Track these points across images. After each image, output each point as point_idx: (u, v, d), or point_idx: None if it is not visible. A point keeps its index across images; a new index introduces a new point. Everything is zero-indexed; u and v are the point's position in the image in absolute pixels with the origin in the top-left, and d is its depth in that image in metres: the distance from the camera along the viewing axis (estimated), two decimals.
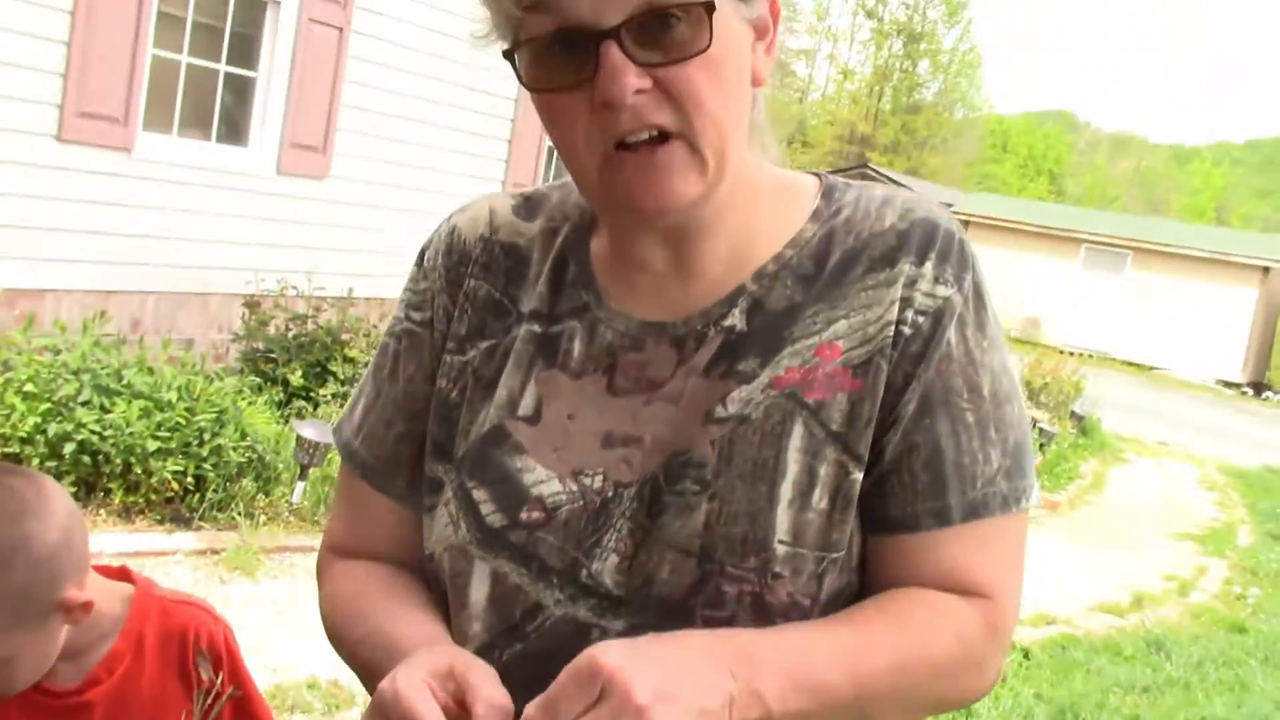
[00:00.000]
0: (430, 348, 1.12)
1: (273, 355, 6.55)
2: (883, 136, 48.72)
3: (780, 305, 1.02)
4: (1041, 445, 10.71)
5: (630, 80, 0.90)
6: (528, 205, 1.14)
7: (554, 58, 0.93)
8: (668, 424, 1.00)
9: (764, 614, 0.96)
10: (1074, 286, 27.81)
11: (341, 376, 6.46)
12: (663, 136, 0.93)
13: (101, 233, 6.34)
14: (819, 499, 0.97)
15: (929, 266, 1.00)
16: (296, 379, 6.33)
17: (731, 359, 1.01)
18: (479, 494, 1.03)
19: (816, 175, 1.10)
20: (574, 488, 1.01)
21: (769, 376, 0.99)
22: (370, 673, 1.01)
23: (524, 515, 1.01)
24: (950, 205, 30.37)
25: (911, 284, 1.00)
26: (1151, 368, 26.51)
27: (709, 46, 0.91)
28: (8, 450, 4.74)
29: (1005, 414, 1.01)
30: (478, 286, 1.11)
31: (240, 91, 7.22)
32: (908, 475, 0.99)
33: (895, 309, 0.99)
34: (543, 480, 1.02)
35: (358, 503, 1.16)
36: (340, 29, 7.45)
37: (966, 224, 28.91)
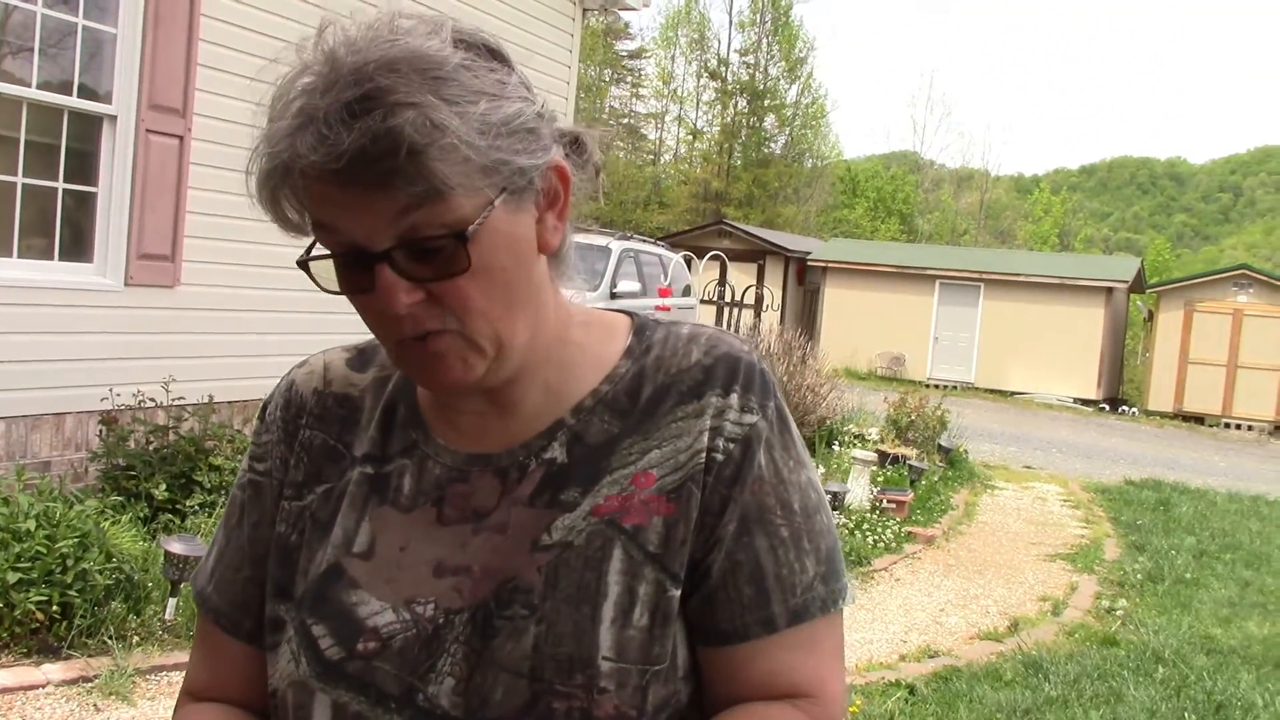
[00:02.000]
0: (271, 495, 1.20)
1: (134, 471, 6.42)
2: (736, 191, 49.64)
3: (598, 438, 1.10)
4: (912, 481, 10.99)
5: (401, 297, 0.98)
6: (361, 357, 1.24)
7: (341, 267, 1.01)
8: (495, 552, 1.07)
9: None
10: (933, 321, 28.64)
11: (208, 485, 6.36)
12: (439, 331, 1.02)
13: None
14: (639, 616, 1.04)
15: (734, 397, 1.09)
16: (161, 493, 6.22)
17: (554, 489, 1.09)
18: (318, 629, 1.10)
19: (628, 314, 1.20)
20: (407, 616, 1.07)
21: (590, 505, 1.07)
22: None
23: (360, 646, 1.07)
24: (809, 252, 31.08)
25: (720, 414, 1.08)
26: (1013, 393, 27.36)
27: (469, 266, 0.99)
28: None
29: (815, 524, 1.10)
30: (313, 436, 1.19)
31: (82, 207, 7.12)
32: (734, 590, 1.07)
33: (706, 437, 1.08)
34: (377, 611, 1.08)
35: (210, 646, 1.23)
36: (180, 137, 7.41)
37: (825, 270, 29.63)
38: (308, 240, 1.03)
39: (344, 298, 1.03)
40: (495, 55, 1.01)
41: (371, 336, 1.22)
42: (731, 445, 1.08)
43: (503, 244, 1.00)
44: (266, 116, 0.99)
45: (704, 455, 1.08)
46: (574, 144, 1.09)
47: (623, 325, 1.18)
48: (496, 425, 1.12)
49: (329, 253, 1.01)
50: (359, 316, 1.05)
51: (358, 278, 1.00)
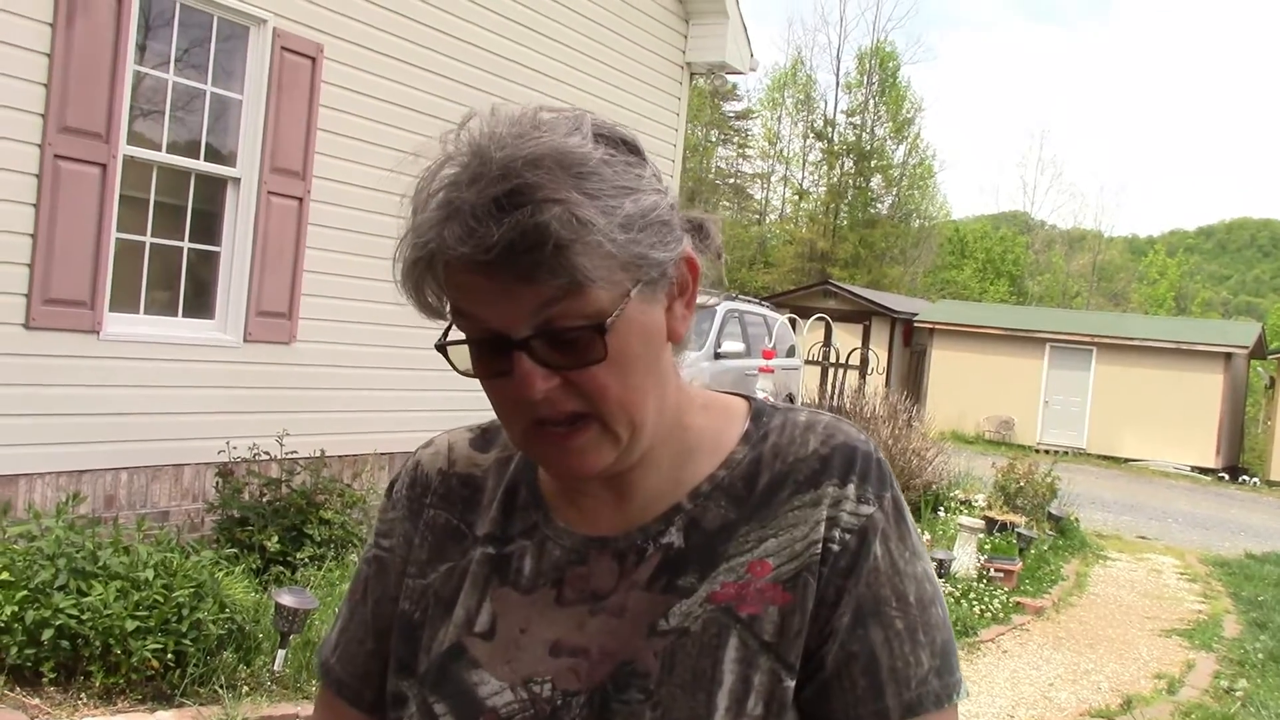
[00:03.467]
0: (395, 572, 1.24)
1: (248, 523, 6.58)
2: (842, 252, 49.44)
3: (715, 524, 1.11)
4: (1021, 550, 10.75)
5: (538, 383, 1.01)
6: (484, 438, 1.27)
7: (478, 352, 1.04)
8: (612, 635, 1.09)
9: None
10: (1043, 385, 28.09)
11: (317, 538, 6.49)
12: (577, 417, 1.03)
13: (73, 414, 6.41)
14: (754, 705, 1.05)
15: (851, 487, 1.10)
16: (273, 545, 6.36)
17: (671, 574, 1.10)
18: (439, 707, 1.12)
19: (745, 398, 1.21)
20: (524, 695, 1.10)
21: (706, 591, 1.08)
22: None
23: None
24: (915, 314, 30.77)
25: (836, 504, 1.09)
26: (1126, 460, 26.66)
27: (605, 356, 1.01)
28: None
29: (931, 617, 1.10)
30: (437, 515, 1.23)
31: (205, 266, 7.37)
32: (848, 681, 1.07)
33: (822, 528, 1.08)
34: (496, 691, 1.11)
35: (331, 714, 1.28)
36: (300, 199, 7.65)
37: (932, 331, 29.30)
38: (441, 322, 1.07)
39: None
40: (631, 149, 1.04)
41: (493, 417, 1.24)
42: (848, 536, 1.09)
43: (637, 333, 1.03)
44: (411, 207, 1.04)
45: (820, 546, 1.08)
46: (698, 230, 1.12)
47: (740, 410, 1.19)
48: (615, 508, 1.15)
49: (467, 338, 1.03)
50: (479, 388, 1.08)
51: (495, 363, 1.02)
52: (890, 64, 51.55)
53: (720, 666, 1.06)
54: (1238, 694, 7.55)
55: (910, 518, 1.14)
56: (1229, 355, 26.88)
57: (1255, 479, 26.35)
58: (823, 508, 1.09)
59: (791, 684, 1.07)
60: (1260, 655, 8.69)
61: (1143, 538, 14.88)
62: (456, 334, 1.05)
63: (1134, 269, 64.35)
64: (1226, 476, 26.32)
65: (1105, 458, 26.67)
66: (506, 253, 0.95)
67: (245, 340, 7.43)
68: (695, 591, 1.09)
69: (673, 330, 1.09)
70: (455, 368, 1.06)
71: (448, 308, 1.04)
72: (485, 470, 1.24)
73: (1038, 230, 61.41)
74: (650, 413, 1.07)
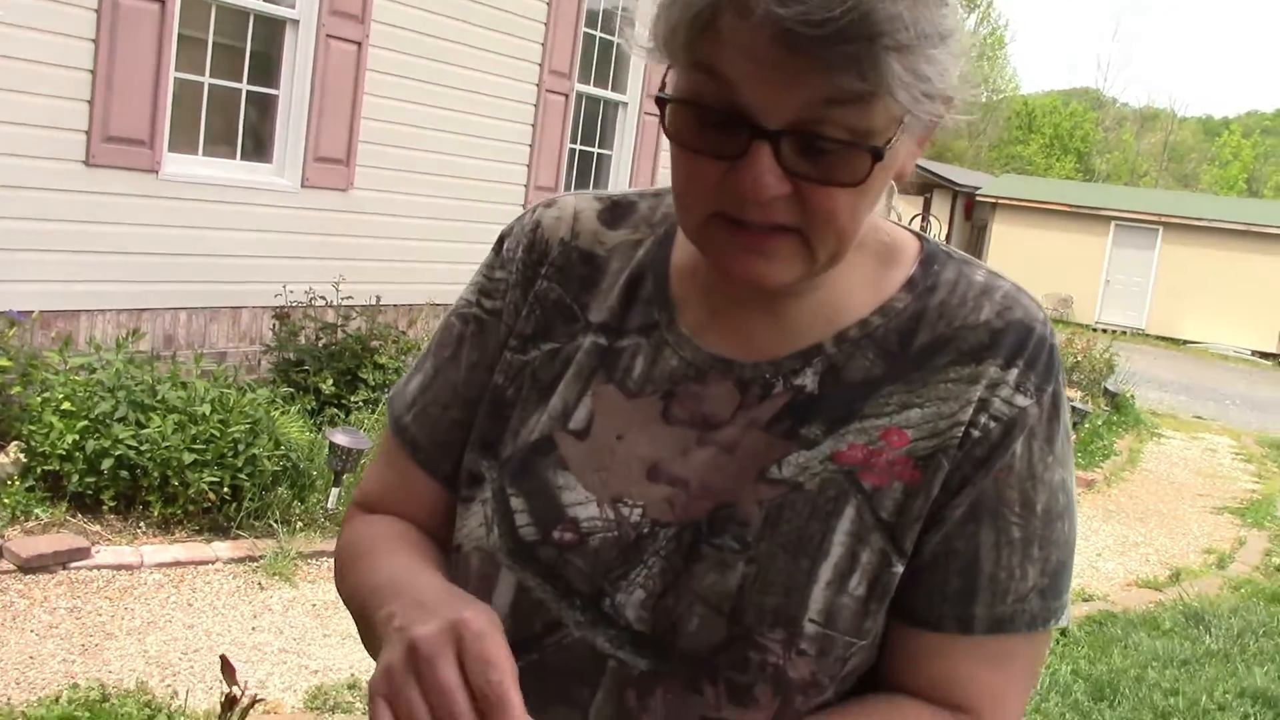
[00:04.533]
0: (496, 339, 1.11)
1: (304, 365, 6.65)
2: None
3: (857, 376, 0.99)
4: (1075, 424, 10.67)
5: (771, 185, 0.87)
6: (613, 212, 1.12)
7: (705, 124, 0.89)
8: (718, 471, 0.99)
9: (784, 687, 0.96)
10: (1105, 264, 27.62)
11: (372, 383, 6.55)
12: (779, 228, 0.91)
13: (132, 252, 6.45)
14: (857, 585, 0.96)
15: (1014, 373, 0.98)
16: (328, 387, 6.42)
17: (796, 420, 0.99)
18: (516, 502, 1.03)
19: (918, 236, 1.07)
20: (611, 515, 1.00)
21: (831, 448, 0.97)
22: (366, 616, 0.99)
23: (556, 534, 1.01)
24: (979, 188, 30.21)
25: (993, 387, 0.97)
26: (1185, 342, 26.31)
27: (863, 181, 0.89)
28: (47, 467, 4.85)
29: (1053, 532, 0.99)
30: (550, 289, 1.10)
31: (263, 109, 7.32)
32: (940, 576, 0.97)
33: (971, 410, 0.97)
34: (581, 501, 1.01)
35: (399, 473, 1.15)
36: (359, 44, 7.53)
37: (994, 206, 28.79)
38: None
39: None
40: None
41: (624, 189, 1.13)
42: (993, 425, 0.97)
43: (890, 165, 0.91)
44: None
45: (963, 429, 0.96)
46: None
47: (910, 249, 1.05)
48: (751, 330, 1.02)
49: (698, 102, 0.88)
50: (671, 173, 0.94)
51: (724, 142, 0.88)
52: None
53: (831, 536, 0.96)
54: None
55: (1067, 420, 1.01)
56: None
57: None
58: (979, 387, 0.97)
59: (900, 570, 0.97)
60: None
61: (1199, 418, 14.73)
62: (674, 87, 0.91)
63: (1206, 150, 62.65)
64: None
65: (1164, 339, 26.31)
66: (830, 35, 0.81)
67: (303, 186, 7.41)
68: (818, 445, 0.98)
69: (904, 170, 0.96)
70: (665, 126, 0.91)
71: (693, 62, 0.88)
72: (610, 250, 1.10)
73: (1109, 107, 59.82)
74: (852, 245, 0.94)
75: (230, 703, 0.93)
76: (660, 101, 0.91)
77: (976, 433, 0.96)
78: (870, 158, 0.87)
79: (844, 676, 0.97)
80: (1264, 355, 25.73)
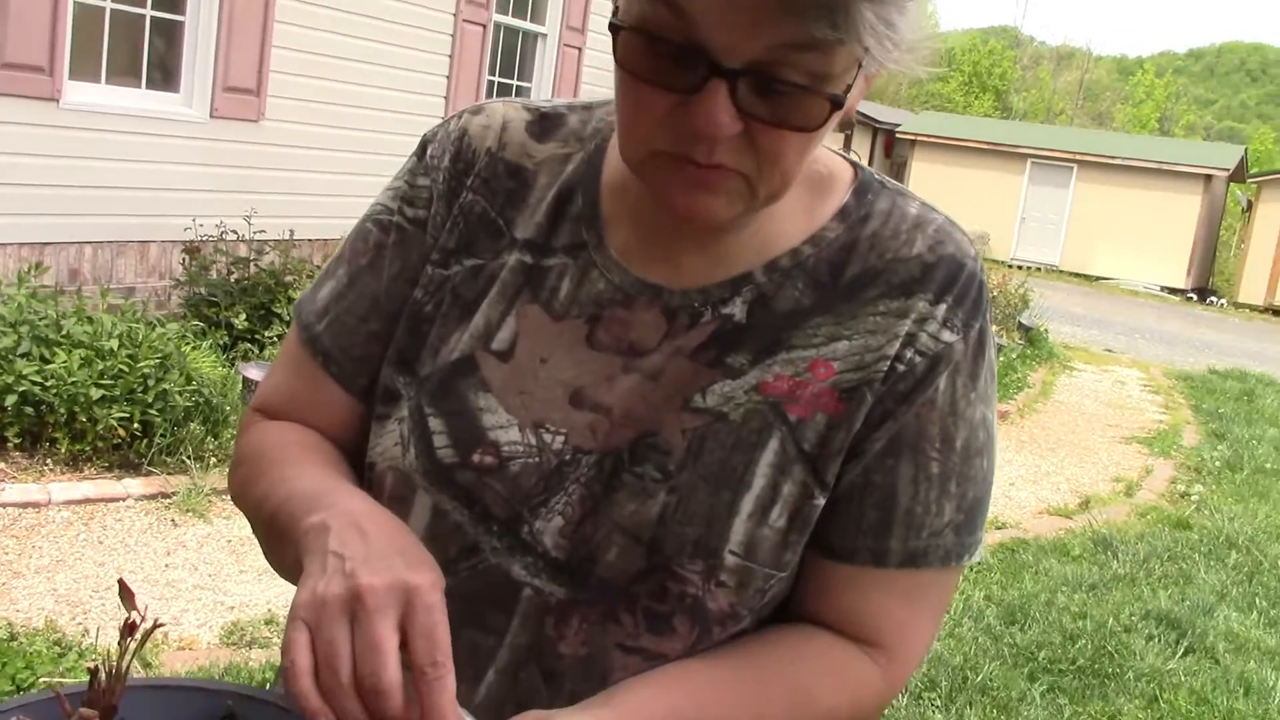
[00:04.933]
0: (419, 251, 1.06)
1: (215, 300, 6.51)
2: None
3: (786, 306, 0.98)
4: None
5: (725, 124, 0.84)
6: (542, 124, 1.07)
7: (660, 55, 0.85)
8: (642, 400, 0.97)
9: (702, 618, 0.95)
10: (1021, 201, 28.01)
11: (286, 318, 6.44)
12: (722, 167, 0.88)
13: (34, 184, 6.25)
14: (778, 517, 0.95)
15: (942, 308, 0.96)
16: (241, 322, 6.30)
17: (722, 349, 0.97)
18: (435, 423, 1.00)
19: (853, 165, 1.04)
20: (532, 441, 0.98)
21: (756, 379, 0.96)
22: (279, 525, 0.95)
23: (475, 457, 0.98)
24: (898, 125, 30.38)
25: (921, 322, 0.96)
26: (1098, 278, 26.84)
27: (818, 127, 0.86)
28: None
29: (971, 468, 0.98)
30: (475, 201, 1.05)
31: (169, 36, 7.09)
32: (857, 509, 0.96)
33: (897, 344, 0.95)
34: (502, 425, 0.98)
35: (308, 382, 1.10)
36: None
37: (914, 143, 28.99)
38: None
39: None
40: None
41: (553, 100, 1.08)
42: (918, 360, 0.96)
43: (841, 110, 0.88)
44: None
45: (889, 363, 0.95)
46: None
47: (844, 178, 1.03)
48: (681, 257, 0.99)
49: (651, 32, 0.84)
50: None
51: (677, 75, 0.84)
52: None
53: (753, 468, 0.94)
54: (1193, 499, 7.72)
55: (992, 357, 1.00)
56: (1209, 177, 26.78)
57: (1223, 300, 26.59)
58: (906, 322, 0.96)
59: (821, 503, 0.96)
60: (1217, 463, 8.87)
61: (1109, 351, 15.05)
62: (628, 14, 0.86)
63: (1120, 89, 63.57)
64: (1195, 297, 26.57)
65: (1078, 275, 26.81)
66: None
67: (211, 116, 7.22)
68: (744, 375, 0.96)
69: (850, 111, 0.92)
70: (617, 55, 0.87)
71: None
72: (538, 164, 1.05)
73: (1026, 45, 60.35)
74: (791, 187, 0.92)
75: (130, 629, 0.89)
76: (614, 28, 0.87)
77: (901, 367, 0.95)
78: (829, 105, 0.85)
79: (761, 607, 0.97)
80: (1173, 291, 26.36)
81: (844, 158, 1.05)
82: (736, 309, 0.98)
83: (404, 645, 0.79)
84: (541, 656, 0.98)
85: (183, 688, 0.96)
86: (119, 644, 1.00)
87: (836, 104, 0.85)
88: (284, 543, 0.93)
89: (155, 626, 1.00)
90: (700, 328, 0.97)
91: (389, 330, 1.06)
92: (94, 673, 0.90)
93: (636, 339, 0.98)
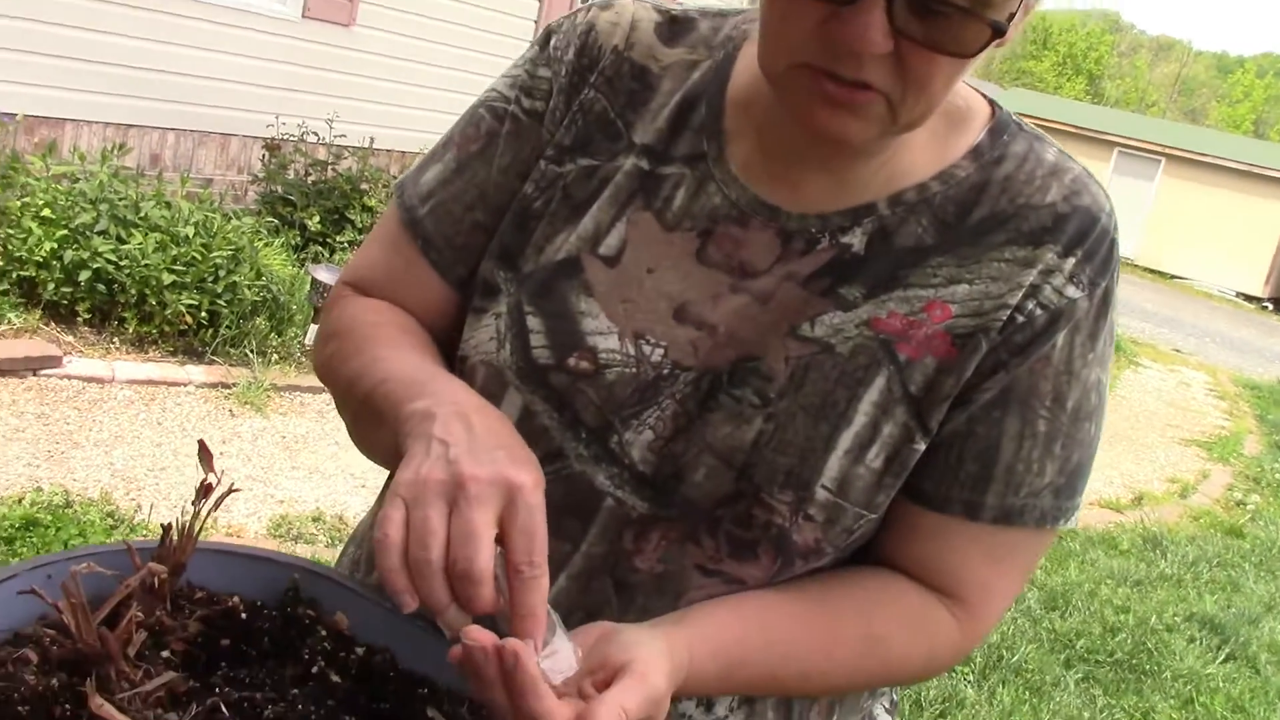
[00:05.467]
0: (533, 144, 1.02)
1: (291, 199, 6.53)
2: None
3: (907, 242, 0.94)
4: None
5: (877, 41, 0.80)
6: (672, 28, 1.03)
7: None
8: (748, 322, 0.94)
9: (786, 549, 0.93)
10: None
11: (359, 225, 6.45)
12: (867, 86, 0.84)
13: (124, 65, 6.27)
14: (875, 457, 0.92)
15: (1071, 262, 0.92)
16: (314, 224, 6.32)
17: (836, 279, 0.93)
18: (533, 321, 0.97)
19: (990, 102, 1.00)
20: (631, 351, 0.95)
21: (869, 313, 0.93)
22: (374, 405, 0.92)
23: (572, 360, 0.96)
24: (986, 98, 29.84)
25: (1047, 274, 0.92)
26: (1173, 276, 26.34)
27: (975, 53, 0.83)
28: (23, 273, 4.77)
29: (1079, 430, 0.95)
30: (596, 99, 1.01)
31: None
32: (955, 458, 0.94)
33: (1020, 294, 0.92)
34: (602, 332, 0.96)
35: (406, 263, 1.07)
36: None
37: None
38: None
39: None
40: None
41: (684, 5, 1.04)
42: (1040, 313, 0.92)
43: (1002, 39, 0.83)
44: None
45: (1008, 313, 0.91)
46: None
47: (981, 115, 0.98)
48: (802, 178, 0.95)
49: None
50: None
51: None
52: None
53: (856, 404, 0.91)
54: (1248, 507, 7.59)
55: (1114, 318, 0.97)
56: None
57: None
58: (1032, 272, 0.92)
59: (921, 448, 0.93)
60: (1277, 475, 8.71)
61: (1178, 351, 14.78)
62: None
63: (1217, 87, 62.04)
64: (1271, 306, 25.98)
65: (1152, 271, 26.32)
66: None
67: (304, 16, 7.20)
68: (857, 308, 0.92)
69: (1008, 42, 0.88)
70: None
71: None
72: (664, 68, 1.01)
73: (1126, 32, 58.99)
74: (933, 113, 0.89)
75: (205, 490, 0.88)
76: None
77: (1021, 318, 0.92)
78: (989, 31, 0.80)
79: (846, 546, 0.95)
80: (1248, 298, 25.80)
81: (982, 94, 1.00)
82: (855, 239, 0.94)
83: (498, 540, 0.78)
84: (616, 568, 0.96)
85: (251, 556, 0.95)
86: (192, 503, 0.99)
87: (998, 31, 0.81)
88: (378, 424, 0.92)
89: (230, 490, 0.99)
90: (815, 254, 0.94)
91: (494, 222, 1.03)
92: (166, 529, 0.90)
93: (748, 259, 0.95)
